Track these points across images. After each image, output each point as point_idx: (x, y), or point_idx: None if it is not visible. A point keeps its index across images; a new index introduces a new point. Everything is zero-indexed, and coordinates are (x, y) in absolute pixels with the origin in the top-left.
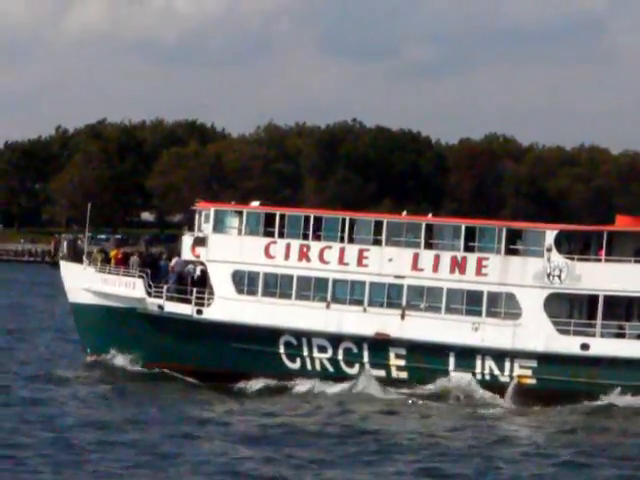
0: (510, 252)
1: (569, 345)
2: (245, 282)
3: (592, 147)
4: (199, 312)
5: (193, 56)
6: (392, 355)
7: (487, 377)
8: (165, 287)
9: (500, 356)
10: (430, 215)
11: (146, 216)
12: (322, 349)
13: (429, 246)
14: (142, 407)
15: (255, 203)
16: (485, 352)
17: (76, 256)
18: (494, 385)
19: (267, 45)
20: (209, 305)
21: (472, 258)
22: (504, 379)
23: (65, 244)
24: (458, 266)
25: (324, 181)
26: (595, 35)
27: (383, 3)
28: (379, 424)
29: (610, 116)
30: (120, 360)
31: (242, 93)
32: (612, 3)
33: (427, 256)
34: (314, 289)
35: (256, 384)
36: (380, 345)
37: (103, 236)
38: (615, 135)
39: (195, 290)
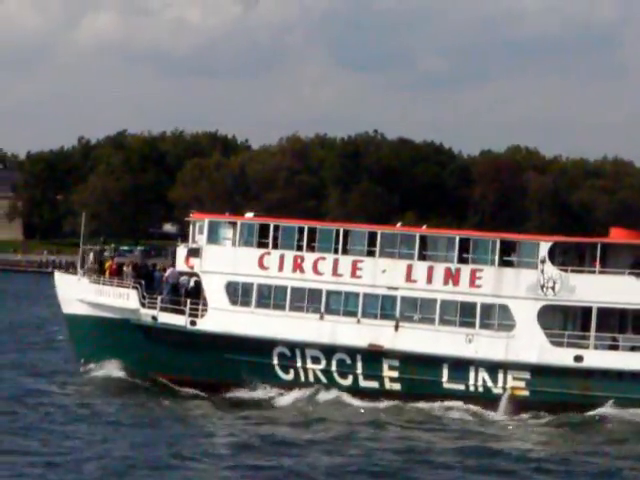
0: (504, 264)
1: (562, 357)
2: (239, 293)
3: (616, 159)
4: (193, 323)
5: (204, 67)
6: (385, 366)
7: (480, 389)
8: (159, 298)
9: (493, 368)
10: (425, 227)
11: (168, 228)
12: (316, 360)
13: (423, 257)
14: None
15: (249, 214)
16: (479, 364)
17: (101, 267)
18: (487, 397)
19: (279, 57)
20: (203, 316)
21: (466, 270)
22: (497, 391)
23: (91, 255)
24: (452, 278)
25: (347, 193)
26: (614, 46)
27: (395, 15)
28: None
29: (632, 128)
30: (114, 371)
31: (255, 105)
32: (628, 15)
33: (421, 267)
34: (308, 300)
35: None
36: (373, 356)
37: (125, 247)
38: (638, 147)
39: (189, 301)
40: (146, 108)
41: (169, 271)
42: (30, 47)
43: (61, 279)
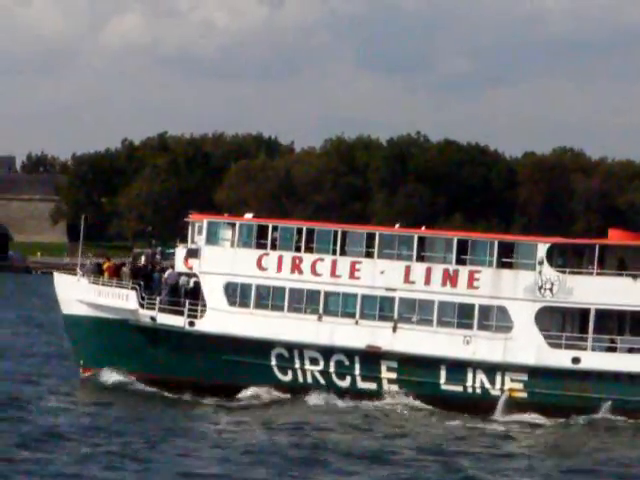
0: (502, 265)
1: (560, 359)
2: (237, 294)
3: None
4: (191, 324)
5: (231, 69)
6: (384, 368)
7: (478, 390)
8: (158, 299)
9: (491, 369)
10: (423, 228)
11: None
12: (314, 361)
13: (421, 259)
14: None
15: (248, 215)
16: (476, 365)
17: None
18: (485, 398)
19: (305, 59)
20: (201, 317)
21: (464, 271)
22: (495, 392)
23: (143, 258)
24: (450, 279)
25: (393, 195)
26: None
27: (420, 17)
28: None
29: None
30: (112, 373)
31: (286, 106)
32: None
33: (419, 269)
34: (306, 301)
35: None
36: (372, 358)
37: (172, 250)
38: None
39: (187, 302)
40: (180, 110)
41: (168, 272)
42: (56, 50)
43: (60, 280)
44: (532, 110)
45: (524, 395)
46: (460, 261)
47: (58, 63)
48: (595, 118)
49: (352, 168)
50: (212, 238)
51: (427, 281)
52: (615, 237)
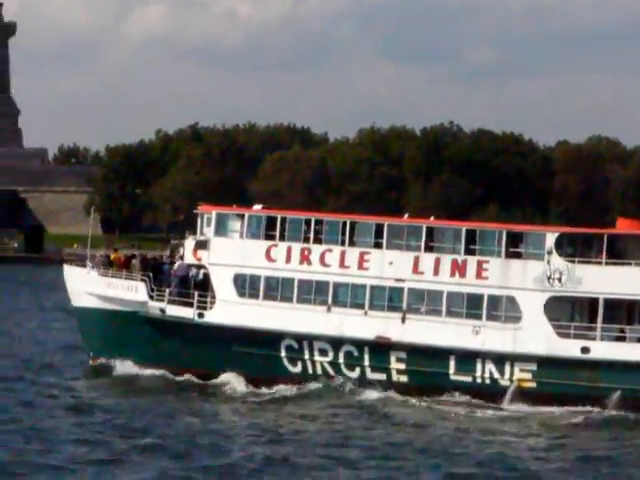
0: (511, 255)
1: (569, 348)
2: (247, 285)
3: None
4: (201, 315)
5: (256, 60)
6: (393, 359)
7: (487, 381)
8: (167, 291)
9: (500, 359)
10: (432, 218)
11: None
12: (323, 352)
13: (430, 249)
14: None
15: (257, 206)
16: (485, 355)
17: None
18: (494, 389)
19: (329, 49)
20: (211, 308)
21: (472, 261)
22: (504, 383)
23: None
24: (458, 269)
25: (428, 185)
26: None
27: (443, 7)
28: None
29: None
30: (122, 364)
31: (314, 96)
32: None
33: (428, 259)
34: (315, 292)
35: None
36: (381, 349)
37: None
38: None
39: (197, 293)
40: (208, 101)
41: (177, 264)
42: (82, 42)
43: (70, 272)
44: (564, 99)
45: (533, 385)
46: (469, 251)
47: (84, 54)
48: (629, 107)
49: (387, 158)
50: (221, 229)
51: (436, 271)
52: (624, 226)
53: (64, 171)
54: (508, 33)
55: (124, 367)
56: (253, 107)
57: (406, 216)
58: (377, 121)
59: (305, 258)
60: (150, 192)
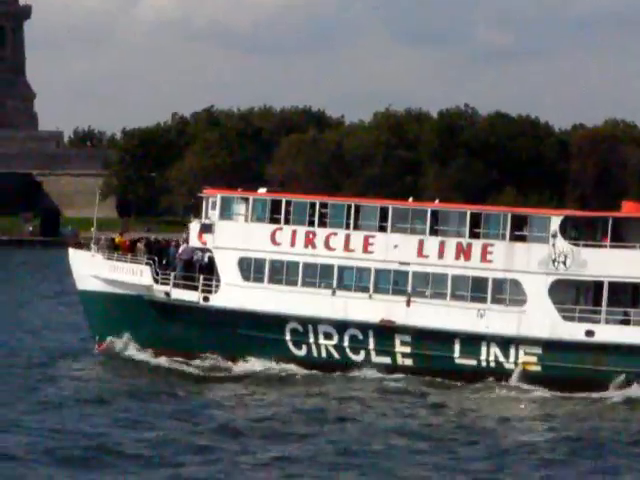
0: (515, 238)
1: (574, 331)
2: (251, 269)
3: None
4: (205, 299)
5: (268, 42)
6: (397, 342)
7: (492, 364)
8: (172, 274)
9: (505, 343)
10: (437, 201)
11: None
12: (328, 336)
13: (434, 232)
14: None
15: (262, 190)
16: (490, 339)
17: None
18: (499, 372)
19: (339, 31)
20: (216, 292)
21: (477, 244)
22: (509, 366)
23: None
24: (463, 252)
25: (445, 168)
26: None
27: None
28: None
29: None
30: (127, 347)
31: (327, 79)
32: None
33: (432, 243)
34: (320, 276)
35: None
36: (386, 332)
37: None
38: None
39: (202, 277)
40: (223, 84)
41: (182, 247)
42: (94, 25)
43: (75, 255)
44: (581, 82)
45: (538, 368)
46: (473, 235)
47: (98, 37)
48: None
49: (403, 141)
50: (226, 213)
51: (440, 255)
52: (629, 209)
53: (80, 154)
54: (523, 15)
55: (129, 351)
56: (268, 90)
57: (410, 199)
58: (392, 103)
59: (310, 241)
60: (166, 175)
